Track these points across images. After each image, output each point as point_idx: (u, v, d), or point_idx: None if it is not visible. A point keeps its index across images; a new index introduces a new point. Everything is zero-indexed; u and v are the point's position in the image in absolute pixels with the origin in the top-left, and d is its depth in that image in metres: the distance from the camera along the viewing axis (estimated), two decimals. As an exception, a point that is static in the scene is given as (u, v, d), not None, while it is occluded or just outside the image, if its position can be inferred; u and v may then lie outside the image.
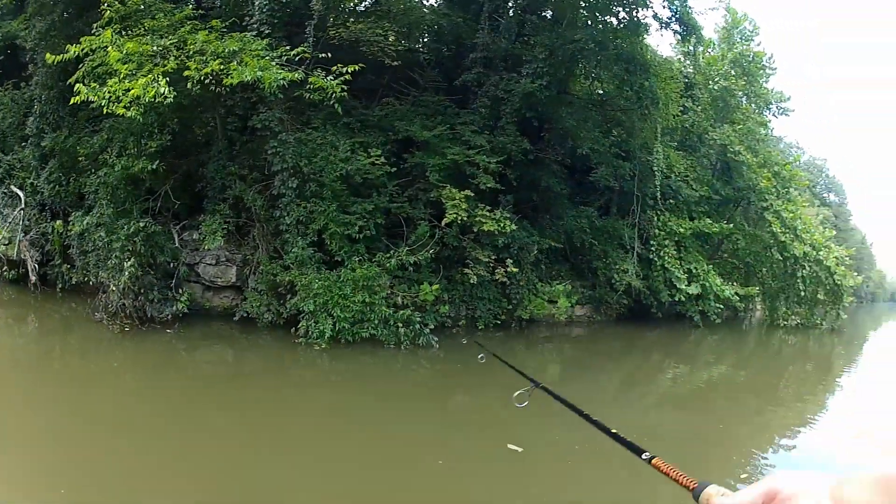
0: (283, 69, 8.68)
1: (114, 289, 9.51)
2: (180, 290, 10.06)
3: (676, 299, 13.23)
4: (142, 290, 9.61)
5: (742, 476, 5.46)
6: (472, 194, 10.50)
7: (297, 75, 8.63)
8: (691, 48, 16.77)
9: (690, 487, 0.95)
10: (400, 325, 9.25)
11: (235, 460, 5.40)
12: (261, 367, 9.23)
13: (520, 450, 5.93)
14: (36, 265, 11.25)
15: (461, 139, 11.36)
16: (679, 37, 14.03)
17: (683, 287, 13.23)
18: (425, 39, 15.24)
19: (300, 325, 9.20)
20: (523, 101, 12.25)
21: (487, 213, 10.48)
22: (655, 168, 13.00)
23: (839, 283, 15.17)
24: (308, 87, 8.89)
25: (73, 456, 5.18)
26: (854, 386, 11.10)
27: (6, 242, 11.09)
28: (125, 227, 9.46)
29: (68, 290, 11.28)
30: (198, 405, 7.26)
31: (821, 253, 15.05)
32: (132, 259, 9.37)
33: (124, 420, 6.24)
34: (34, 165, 11.93)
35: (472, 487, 5.05)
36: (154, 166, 9.65)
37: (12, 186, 11.92)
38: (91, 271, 10.49)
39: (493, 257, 10.64)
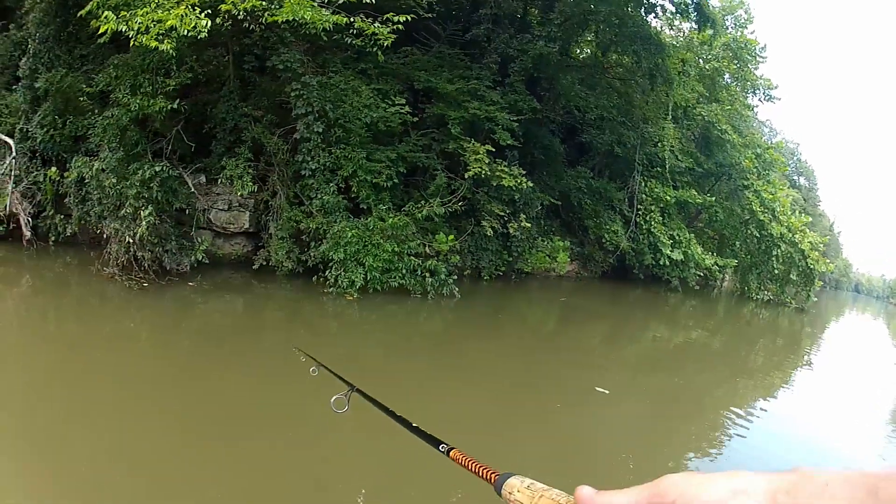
0: (327, 12, 8.47)
1: (129, 240, 9.07)
2: (198, 239, 9.76)
3: (661, 263, 13.89)
4: (158, 241, 9.21)
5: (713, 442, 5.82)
6: (493, 149, 10.62)
7: (343, 19, 8.44)
8: (685, 25, 17.29)
9: (491, 480, 0.89)
10: (427, 274, 9.35)
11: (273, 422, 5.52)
12: (287, 317, 9.18)
13: (607, 392, 6.43)
14: (29, 218, 10.48)
15: (477, 94, 11.42)
16: (695, 25, 14.62)
17: (668, 252, 13.92)
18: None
19: (328, 273, 9.15)
20: (534, 61, 12.49)
21: (505, 169, 10.64)
22: (664, 143, 13.56)
23: (812, 266, 16.18)
24: (352, 31, 8.70)
25: (97, 424, 5.14)
26: (821, 364, 11.90)
27: (-6, 196, 10.22)
28: (139, 171, 8.93)
29: (62, 244, 10.53)
30: (229, 362, 7.23)
31: (796, 236, 15.99)
32: (150, 207, 8.93)
33: (151, 381, 6.18)
34: (24, 110, 10.96)
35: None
36: (175, 106, 9.21)
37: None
38: (92, 221, 9.91)
39: (507, 211, 10.83)
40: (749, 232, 16.26)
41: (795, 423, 6.78)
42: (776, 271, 16.34)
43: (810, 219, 20.03)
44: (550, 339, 9.84)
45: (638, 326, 11.90)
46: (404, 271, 9.25)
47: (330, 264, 9.19)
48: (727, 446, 5.60)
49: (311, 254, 9.43)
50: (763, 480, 0.61)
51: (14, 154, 10.49)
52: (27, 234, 10.26)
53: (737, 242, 16.91)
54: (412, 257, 9.32)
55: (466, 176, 10.33)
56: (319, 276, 9.41)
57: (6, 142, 10.63)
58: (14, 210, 10.29)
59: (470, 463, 0.99)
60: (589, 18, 12.81)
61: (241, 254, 10.24)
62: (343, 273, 9.02)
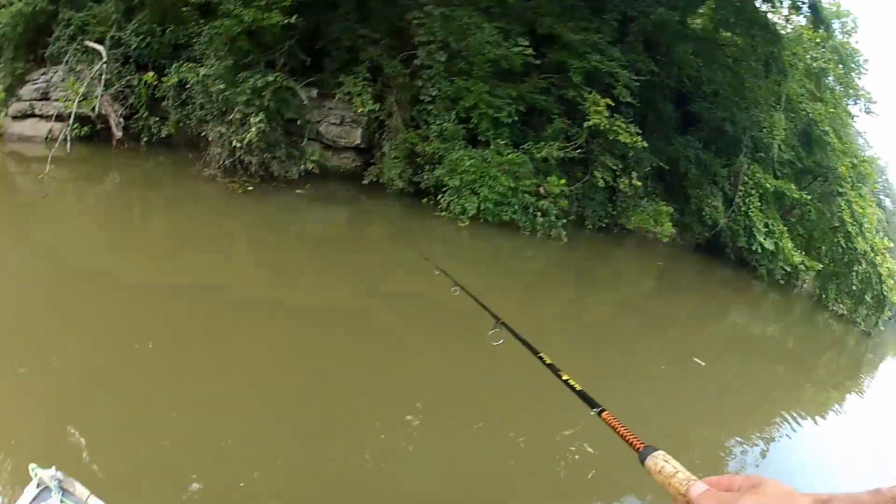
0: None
1: (236, 144, 9.09)
2: (308, 149, 9.75)
3: (753, 249, 13.49)
4: (267, 147, 9.26)
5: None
6: (612, 103, 10.36)
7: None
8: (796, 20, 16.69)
9: (637, 449, 0.94)
10: (539, 213, 9.19)
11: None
12: (394, 233, 9.15)
13: (703, 364, 6.30)
14: (121, 119, 10.59)
15: (598, 47, 11.14)
16: (810, 25, 14.18)
17: (761, 239, 13.51)
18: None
19: (441, 198, 9.11)
20: (654, 25, 12.20)
21: (622, 125, 10.37)
22: (773, 131, 13.20)
23: (886, 294, 15.51)
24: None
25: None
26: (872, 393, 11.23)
27: (82, 98, 10.34)
28: (251, 80, 8.97)
29: (155, 144, 10.71)
30: (333, 269, 7.20)
31: (877, 258, 15.34)
32: (260, 115, 8.95)
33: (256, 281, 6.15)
34: (116, 19, 11.10)
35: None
36: (290, 20, 9.12)
37: (87, 42, 11.09)
38: (192, 124, 9.98)
39: (619, 166, 10.60)
40: (836, 240, 15.65)
41: (835, 446, 6.44)
42: (854, 288, 15.73)
43: (892, 244, 19.23)
44: (645, 299, 9.64)
45: (720, 306, 11.59)
46: (517, 207, 9.13)
47: (444, 189, 9.12)
48: (773, 448, 5.41)
49: (425, 176, 9.37)
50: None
51: (105, 60, 10.56)
52: (118, 134, 10.49)
53: (823, 247, 16.32)
54: (526, 194, 9.16)
55: (584, 125, 10.10)
56: (430, 199, 9.33)
57: (96, 49, 10.73)
58: (104, 112, 10.44)
59: (621, 428, 1.02)
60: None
61: (349, 168, 10.20)
62: (456, 199, 8.95)
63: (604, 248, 10.31)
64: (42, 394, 3.77)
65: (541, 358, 1.59)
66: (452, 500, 4.11)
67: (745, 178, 13.70)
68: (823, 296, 16.57)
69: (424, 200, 9.39)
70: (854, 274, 15.36)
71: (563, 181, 9.64)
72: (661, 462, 0.88)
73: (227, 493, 3.47)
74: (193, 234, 7.52)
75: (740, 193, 13.55)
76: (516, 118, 9.79)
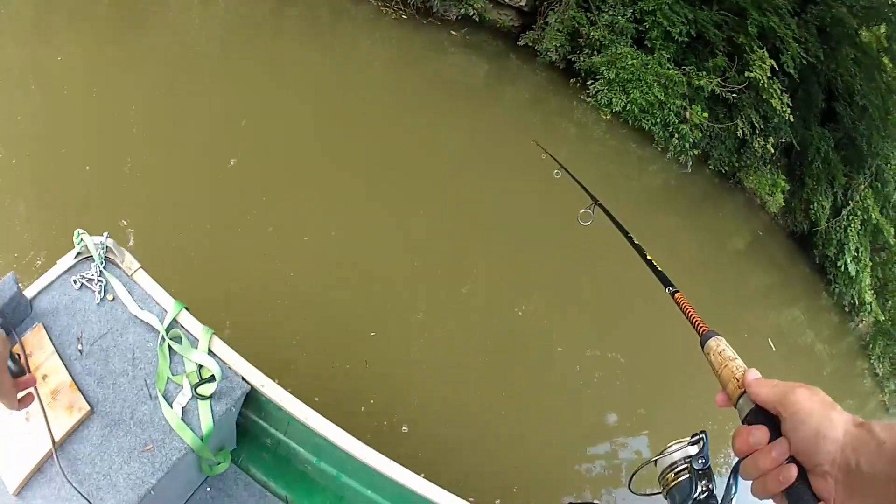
0: None
1: None
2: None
3: (837, 265, 13.35)
4: None
5: None
6: (776, 67, 10.17)
7: None
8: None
9: (700, 333, 0.96)
10: (676, 134, 9.17)
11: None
12: (530, 101, 9.20)
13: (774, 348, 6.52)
14: None
15: (778, 10, 10.82)
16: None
17: (848, 260, 13.40)
18: None
19: (592, 85, 9.10)
20: (831, 18, 11.97)
21: (778, 91, 10.18)
22: None
23: None
24: None
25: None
26: None
27: None
28: None
29: None
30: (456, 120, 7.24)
31: None
32: None
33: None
34: None
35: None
36: None
37: None
38: None
39: (760, 125, 10.47)
40: (910, 304, 15.44)
41: None
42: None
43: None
44: (730, 259, 9.72)
45: (786, 299, 11.64)
46: (658, 120, 9.10)
47: (597, 77, 9.07)
48: None
49: (582, 58, 9.29)
50: (842, 432, 0.70)
51: None
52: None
53: (891, 302, 16.10)
54: (671, 112, 9.12)
55: (746, 74, 9.92)
56: (578, 82, 9.31)
57: None
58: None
59: (689, 310, 1.05)
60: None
61: (506, 25, 10.08)
62: (606, 91, 8.94)
63: (716, 193, 10.31)
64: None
65: (630, 238, 1.64)
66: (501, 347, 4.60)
67: (858, 197, 13.47)
68: (871, 346, 16.48)
69: (572, 81, 9.36)
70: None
71: (705, 115, 9.56)
72: (724, 345, 0.90)
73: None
74: (327, 51, 7.58)
75: (848, 209, 13.35)
76: (686, 39, 9.63)
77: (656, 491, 1.05)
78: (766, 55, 10.09)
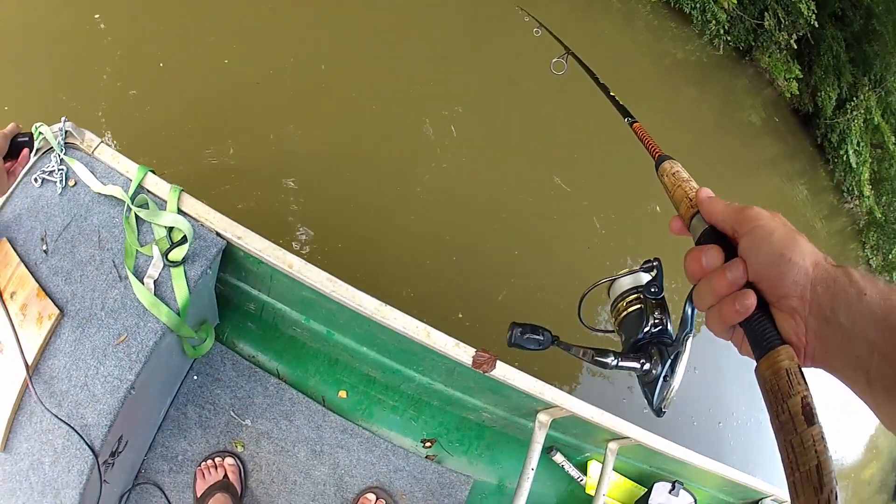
0: None
1: None
2: None
3: (840, 153, 15.56)
4: None
5: None
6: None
7: None
8: None
9: (655, 157, 0.95)
10: (714, 20, 11.12)
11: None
12: None
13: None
14: None
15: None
16: None
17: (850, 151, 15.65)
18: None
19: None
20: None
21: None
22: None
23: None
24: None
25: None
26: None
27: None
28: None
29: None
30: None
31: None
32: None
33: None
34: None
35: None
36: None
37: None
38: None
39: (785, 21, 12.55)
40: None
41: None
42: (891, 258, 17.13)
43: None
44: (747, 130, 11.81)
45: (790, 175, 13.23)
46: (697, 4, 10.89)
47: None
48: None
49: None
50: (812, 264, 0.61)
51: None
52: None
53: (885, 198, 17.88)
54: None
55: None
56: None
57: None
58: None
59: (645, 137, 1.05)
60: None
61: None
62: None
63: (731, 66, 12.02)
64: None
65: (596, 79, 1.64)
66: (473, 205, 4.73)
67: (862, 97, 15.63)
68: (864, 234, 18.39)
69: None
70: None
71: (734, 1, 11.21)
72: (679, 167, 0.88)
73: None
74: None
75: (852, 104, 15.53)
76: None
77: (609, 329, 1.01)
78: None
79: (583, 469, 3.10)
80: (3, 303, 1.65)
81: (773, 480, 3.17)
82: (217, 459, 2.22)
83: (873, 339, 0.54)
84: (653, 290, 0.90)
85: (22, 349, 1.60)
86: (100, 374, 1.63)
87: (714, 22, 11.27)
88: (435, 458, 2.76)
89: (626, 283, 0.95)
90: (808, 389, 0.54)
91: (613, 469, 2.67)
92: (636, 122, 1.19)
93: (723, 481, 2.92)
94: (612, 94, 1.48)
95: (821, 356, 0.60)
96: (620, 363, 0.88)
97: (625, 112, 1.29)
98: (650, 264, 0.93)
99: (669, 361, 0.83)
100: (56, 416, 1.57)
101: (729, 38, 11.39)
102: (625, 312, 0.93)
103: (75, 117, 1.87)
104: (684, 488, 2.90)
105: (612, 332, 0.98)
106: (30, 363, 1.61)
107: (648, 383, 0.86)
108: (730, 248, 0.68)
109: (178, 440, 2.22)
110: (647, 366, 0.86)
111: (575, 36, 7.28)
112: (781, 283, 0.61)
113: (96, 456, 1.57)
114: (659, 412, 0.84)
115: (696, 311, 0.77)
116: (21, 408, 1.61)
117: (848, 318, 0.57)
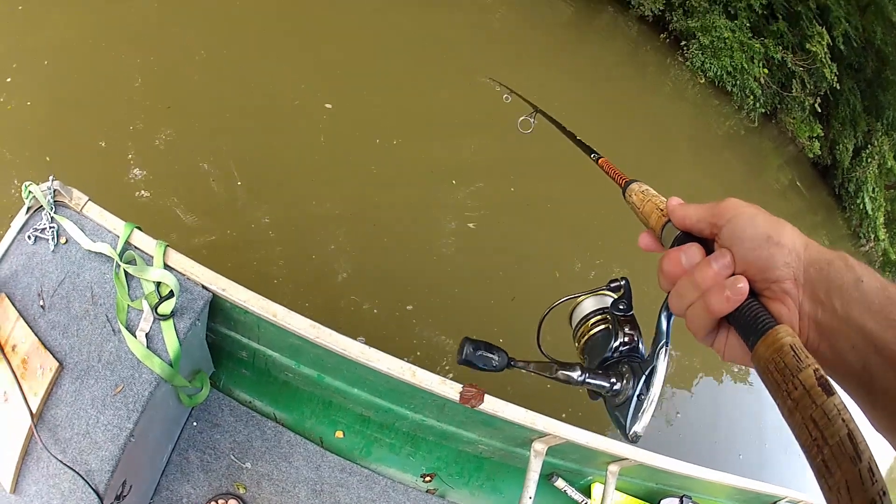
0: None
1: None
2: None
3: (857, 201, 15.66)
4: None
5: None
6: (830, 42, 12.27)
7: None
8: None
9: (622, 184, 0.93)
10: (752, 96, 11.31)
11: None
12: (630, 49, 10.81)
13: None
14: None
15: None
16: None
17: (866, 198, 15.70)
18: None
19: (687, 48, 10.90)
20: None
21: (828, 59, 12.34)
22: None
23: None
24: None
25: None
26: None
27: None
28: None
29: None
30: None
31: None
32: None
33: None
34: None
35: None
36: None
37: None
38: None
39: (811, 85, 12.62)
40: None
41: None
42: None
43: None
44: (774, 184, 12.06)
45: (812, 226, 13.63)
46: (738, 82, 11.06)
47: (691, 41, 10.88)
48: None
49: (677, 20, 10.87)
50: (802, 245, 0.57)
51: None
52: None
53: None
54: (750, 78, 11.09)
55: (806, 47, 11.92)
56: (668, 38, 11.00)
57: None
58: None
59: (611, 169, 1.06)
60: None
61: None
62: (700, 55, 10.79)
63: (759, 129, 12.27)
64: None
65: (563, 128, 1.66)
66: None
67: (876, 142, 15.65)
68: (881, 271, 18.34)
69: (663, 36, 10.94)
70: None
71: (765, 71, 11.45)
72: (646, 186, 0.86)
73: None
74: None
75: (867, 152, 15.58)
76: (765, 12, 11.59)
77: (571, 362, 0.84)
78: (825, 32, 12.15)
79: (586, 492, 3.07)
80: (5, 355, 1.74)
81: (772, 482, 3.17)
82: (220, 502, 2.29)
83: (870, 329, 0.50)
84: (621, 306, 0.82)
85: (26, 399, 1.68)
86: (100, 423, 1.70)
87: (752, 98, 11.43)
88: (436, 491, 2.79)
89: (588, 305, 0.89)
90: (817, 363, 0.47)
91: (619, 489, 2.70)
92: (602, 157, 1.20)
93: (732, 490, 2.92)
94: (578, 138, 1.49)
95: (815, 343, 0.55)
96: (588, 379, 0.80)
97: (589, 150, 1.30)
98: (617, 283, 0.85)
99: (644, 377, 0.75)
100: (62, 462, 1.64)
101: (758, 105, 11.61)
102: (590, 334, 0.87)
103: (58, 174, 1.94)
104: (693, 502, 2.92)
105: (576, 364, 0.84)
106: (34, 412, 1.68)
107: (619, 406, 0.78)
108: (708, 248, 0.63)
109: (182, 484, 2.28)
110: (617, 385, 0.78)
111: (634, 115, 8.65)
112: (771, 267, 0.56)
113: (101, 499, 1.64)
114: (634, 438, 0.75)
115: (672, 321, 0.70)
116: (28, 453, 1.68)
117: (843, 304, 0.52)
